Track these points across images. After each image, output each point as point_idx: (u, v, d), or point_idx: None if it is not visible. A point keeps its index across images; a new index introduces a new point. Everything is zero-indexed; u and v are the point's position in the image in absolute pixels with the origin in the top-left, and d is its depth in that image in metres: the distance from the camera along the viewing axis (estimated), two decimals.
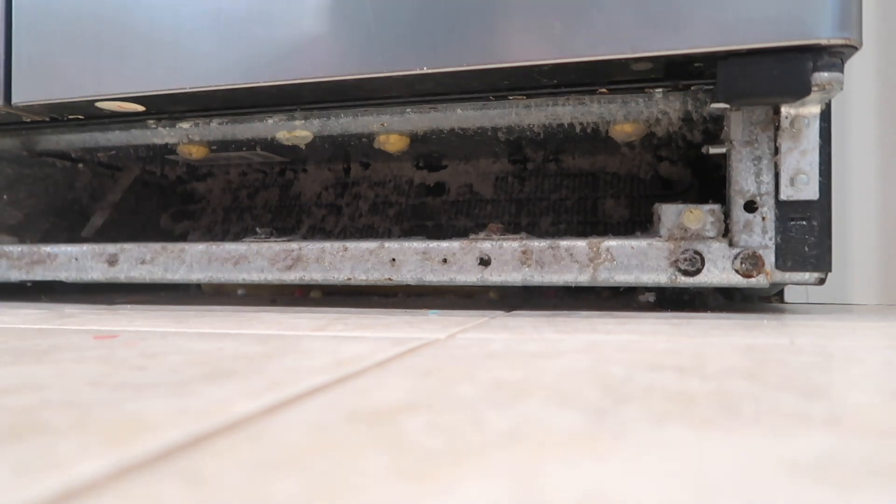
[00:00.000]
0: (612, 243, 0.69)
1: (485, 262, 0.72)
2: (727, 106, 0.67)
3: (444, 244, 0.73)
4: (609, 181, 1.04)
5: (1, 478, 0.18)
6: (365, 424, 0.24)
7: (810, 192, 0.66)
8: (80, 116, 0.89)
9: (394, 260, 0.74)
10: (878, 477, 0.19)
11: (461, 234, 1.02)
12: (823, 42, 0.60)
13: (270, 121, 0.87)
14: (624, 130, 0.80)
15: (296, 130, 0.87)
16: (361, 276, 0.75)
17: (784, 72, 0.62)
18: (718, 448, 0.21)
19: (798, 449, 0.21)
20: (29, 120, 0.90)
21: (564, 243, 0.70)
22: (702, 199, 0.72)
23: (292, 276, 0.78)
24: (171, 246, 0.83)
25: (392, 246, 0.74)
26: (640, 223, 1.00)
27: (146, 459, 0.20)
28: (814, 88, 0.62)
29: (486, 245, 0.72)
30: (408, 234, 1.07)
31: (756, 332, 0.53)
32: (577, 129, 0.81)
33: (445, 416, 0.25)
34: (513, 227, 1.03)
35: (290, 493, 0.17)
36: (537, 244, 0.71)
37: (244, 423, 0.24)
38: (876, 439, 0.23)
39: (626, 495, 0.17)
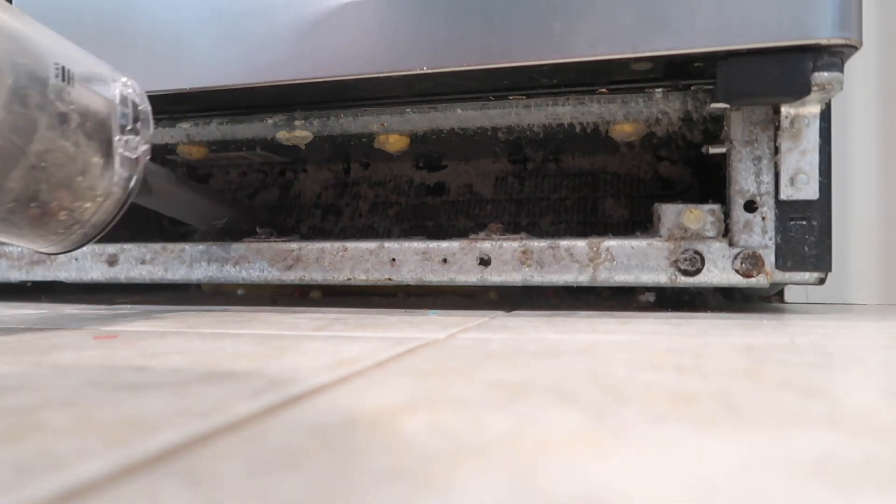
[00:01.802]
0: (611, 243, 0.69)
1: (485, 261, 0.72)
2: (727, 106, 0.67)
3: (444, 244, 0.73)
4: (609, 181, 1.04)
5: (1, 478, 0.18)
6: (365, 424, 0.24)
7: (810, 191, 0.66)
8: None
9: (394, 260, 0.74)
10: (878, 477, 0.19)
11: (461, 234, 1.02)
12: (823, 42, 0.61)
13: (270, 121, 0.87)
14: (624, 130, 0.80)
15: (296, 131, 0.87)
16: (361, 277, 0.75)
17: (784, 72, 0.62)
18: (718, 447, 0.21)
19: (798, 449, 0.21)
20: None
21: (564, 243, 0.70)
22: (702, 199, 0.72)
23: (292, 276, 0.78)
24: (171, 246, 0.83)
25: (392, 246, 0.75)
26: (639, 223, 1.00)
27: (146, 459, 0.20)
28: (814, 88, 0.62)
29: (486, 245, 0.72)
30: (407, 234, 1.07)
31: (756, 331, 0.53)
32: (577, 128, 0.81)
33: (446, 416, 0.25)
34: (512, 227, 1.03)
35: (290, 494, 0.17)
36: (537, 244, 0.71)
37: (244, 423, 0.24)
38: (876, 439, 0.23)
39: (626, 495, 0.17)
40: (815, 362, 0.38)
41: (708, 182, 0.95)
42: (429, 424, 0.24)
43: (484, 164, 1.09)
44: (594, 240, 0.70)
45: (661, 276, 0.68)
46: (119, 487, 0.17)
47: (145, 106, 0.62)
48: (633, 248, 0.69)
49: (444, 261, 0.73)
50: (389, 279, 0.74)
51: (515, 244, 0.71)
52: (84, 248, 0.86)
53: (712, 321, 0.62)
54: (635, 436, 0.23)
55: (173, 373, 0.34)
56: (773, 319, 0.64)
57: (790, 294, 0.98)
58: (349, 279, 0.76)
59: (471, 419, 0.25)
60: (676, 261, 0.68)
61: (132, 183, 0.58)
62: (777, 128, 0.67)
